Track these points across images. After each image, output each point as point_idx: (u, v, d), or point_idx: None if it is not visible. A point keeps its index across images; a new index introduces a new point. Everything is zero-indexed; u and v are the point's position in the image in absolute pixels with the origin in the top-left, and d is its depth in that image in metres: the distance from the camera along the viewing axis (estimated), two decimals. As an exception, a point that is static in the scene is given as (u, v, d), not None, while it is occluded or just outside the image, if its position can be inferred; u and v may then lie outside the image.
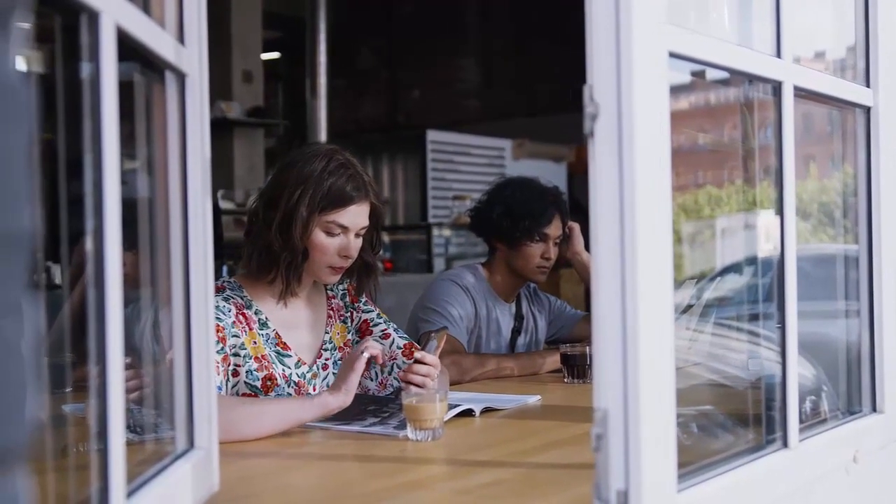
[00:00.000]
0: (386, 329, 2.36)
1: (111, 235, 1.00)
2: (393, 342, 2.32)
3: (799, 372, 1.55)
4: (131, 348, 1.10)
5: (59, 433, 1.29)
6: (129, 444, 1.05)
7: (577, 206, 4.99)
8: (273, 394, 2.14)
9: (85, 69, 1.00)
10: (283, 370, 2.17)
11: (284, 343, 2.20)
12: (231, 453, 1.65)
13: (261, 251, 2.16)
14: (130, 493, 1.08)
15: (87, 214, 1.00)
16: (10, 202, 0.56)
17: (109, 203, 1.00)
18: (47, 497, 1.07)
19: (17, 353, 0.56)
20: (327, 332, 2.30)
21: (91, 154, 0.99)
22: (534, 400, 2.32)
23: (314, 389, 2.22)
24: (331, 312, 2.33)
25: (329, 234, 2.15)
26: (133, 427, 1.29)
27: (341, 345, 2.33)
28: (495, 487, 1.51)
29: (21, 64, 0.61)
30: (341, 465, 1.71)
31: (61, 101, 1.06)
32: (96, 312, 0.99)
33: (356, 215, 2.17)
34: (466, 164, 8.19)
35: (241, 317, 2.14)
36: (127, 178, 1.10)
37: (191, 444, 1.35)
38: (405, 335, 2.37)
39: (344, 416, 2.04)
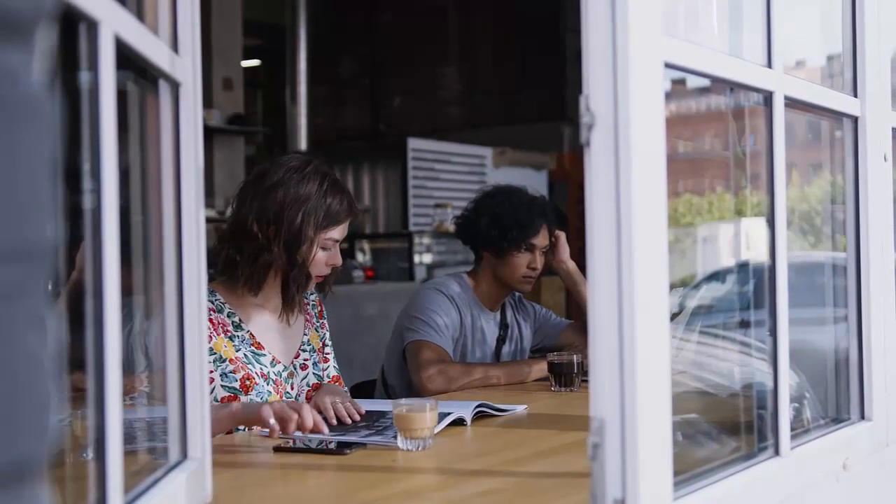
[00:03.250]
0: (329, 354, 2.48)
1: (109, 244, 0.99)
2: (327, 369, 2.43)
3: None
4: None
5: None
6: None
7: (557, 215, 5.00)
8: (253, 392, 2.19)
9: (83, 78, 1.00)
10: (261, 368, 2.23)
11: (259, 343, 2.26)
12: (224, 464, 1.64)
13: (262, 269, 2.22)
14: (127, 505, 1.07)
15: (81, 222, 1.00)
16: (36, 215, 0.56)
17: (108, 211, 0.99)
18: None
19: (40, 365, 0.56)
20: (306, 334, 2.39)
21: (90, 163, 0.98)
22: (521, 409, 2.32)
23: (292, 388, 2.31)
24: (308, 317, 2.42)
25: (324, 249, 2.26)
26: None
27: (318, 348, 2.42)
28: (489, 497, 1.51)
29: (44, 75, 0.61)
30: (333, 475, 1.70)
31: (57, 109, 1.05)
32: (94, 322, 0.99)
33: (346, 228, 2.30)
34: (447, 171, 8.18)
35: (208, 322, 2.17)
36: (120, 187, 1.09)
37: (184, 454, 1.35)
38: (337, 367, 2.48)
39: (337, 428, 2.03)
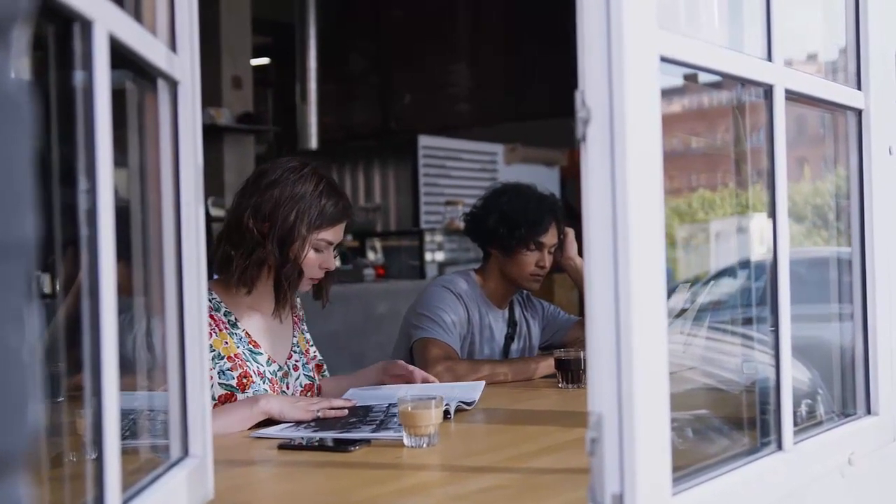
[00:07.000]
0: (312, 348, 2.50)
1: (105, 243, 1.00)
2: (298, 377, 2.40)
3: (794, 376, 1.55)
4: (124, 357, 1.10)
5: (52, 442, 1.28)
6: (122, 451, 1.05)
7: (569, 211, 4.99)
8: (250, 390, 2.22)
9: (77, 77, 1.00)
10: (258, 367, 2.27)
11: (255, 342, 2.30)
12: (225, 461, 1.64)
13: (256, 265, 2.25)
14: (126, 502, 1.07)
15: (80, 223, 1.00)
16: (14, 211, 0.57)
17: (103, 211, 1.00)
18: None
19: (18, 360, 0.57)
20: (294, 336, 2.43)
21: (84, 162, 0.99)
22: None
23: (287, 388, 2.34)
24: (296, 320, 2.47)
25: (316, 250, 2.28)
26: (126, 434, 1.29)
27: (305, 350, 2.45)
28: (491, 493, 1.51)
29: (21, 73, 0.61)
30: (336, 472, 1.70)
31: (53, 108, 1.06)
32: (90, 322, 0.99)
33: (341, 232, 2.33)
34: (458, 169, 8.18)
35: (208, 319, 2.19)
36: (118, 187, 1.09)
37: (185, 452, 1.35)
38: (311, 375, 2.45)
39: (330, 425, 2.02)
